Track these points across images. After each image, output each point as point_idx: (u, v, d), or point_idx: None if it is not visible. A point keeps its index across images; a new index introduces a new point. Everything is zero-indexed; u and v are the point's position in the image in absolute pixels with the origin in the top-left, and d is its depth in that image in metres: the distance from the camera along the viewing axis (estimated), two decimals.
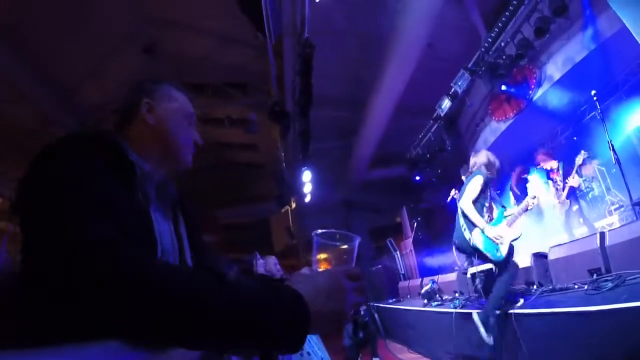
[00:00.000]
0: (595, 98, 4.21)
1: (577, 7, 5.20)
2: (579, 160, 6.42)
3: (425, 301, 6.14)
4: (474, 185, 3.76)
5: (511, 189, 7.67)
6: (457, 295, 5.80)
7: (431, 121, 9.35)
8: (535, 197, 3.87)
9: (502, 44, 6.44)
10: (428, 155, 10.20)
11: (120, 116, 1.08)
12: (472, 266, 4.12)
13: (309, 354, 3.96)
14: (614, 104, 6.35)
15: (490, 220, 3.79)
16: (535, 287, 4.44)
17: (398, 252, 10.14)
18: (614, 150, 3.87)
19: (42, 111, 6.78)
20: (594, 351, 2.77)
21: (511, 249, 3.77)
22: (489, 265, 4.63)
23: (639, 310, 2.40)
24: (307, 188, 10.17)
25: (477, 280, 4.87)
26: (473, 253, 3.84)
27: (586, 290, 3.43)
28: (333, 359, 3.46)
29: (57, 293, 0.59)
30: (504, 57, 6.56)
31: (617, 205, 5.96)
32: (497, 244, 3.67)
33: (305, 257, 11.66)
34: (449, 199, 6.49)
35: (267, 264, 4.90)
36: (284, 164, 8.90)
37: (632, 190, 3.70)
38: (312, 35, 5.91)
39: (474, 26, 7.12)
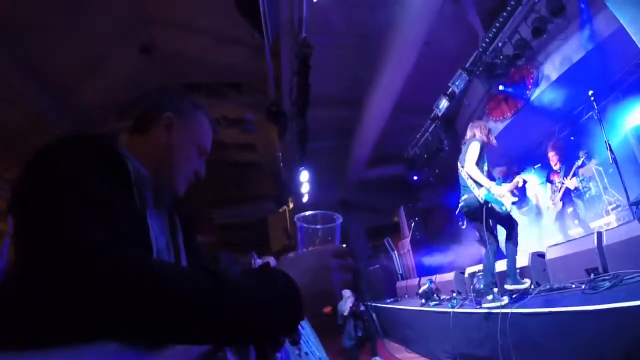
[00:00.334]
0: (592, 98, 4.22)
1: (575, 7, 5.22)
2: (578, 162, 6.46)
3: (423, 301, 6.15)
4: (473, 151, 4.25)
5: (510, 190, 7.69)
6: (454, 294, 5.80)
7: (429, 121, 9.35)
8: (525, 180, 4.30)
9: (500, 44, 6.44)
10: (426, 155, 10.22)
11: (135, 121, 1.06)
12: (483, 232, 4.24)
13: (307, 354, 3.95)
14: (611, 103, 6.35)
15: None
16: (532, 286, 4.45)
17: (396, 251, 10.16)
18: (611, 150, 3.89)
19: (36, 112, 6.72)
20: (591, 351, 2.78)
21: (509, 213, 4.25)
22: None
23: (637, 309, 2.40)
24: (305, 188, 10.17)
25: (475, 280, 4.91)
26: (482, 213, 4.06)
27: (584, 289, 3.44)
28: (331, 359, 3.46)
29: (54, 293, 0.58)
30: (501, 57, 6.57)
31: (614, 205, 5.99)
32: (501, 201, 4.08)
33: None
34: None
35: None
36: (281, 164, 8.90)
37: (629, 190, 3.72)
38: (309, 35, 5.90)
39: (472, 26, 7.13)
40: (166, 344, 0.64)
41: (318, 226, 0.87)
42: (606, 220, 5.82)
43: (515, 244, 4.29)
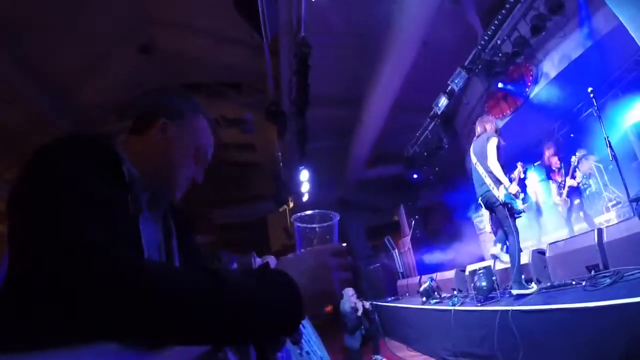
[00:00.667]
0: (591, 95, 4.21)
1: (573, 5, 5.21)
2: (574, 160, 6.45)
3: (424, 299, 6.16)
4: (493, 147, 4.38)
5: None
6: (455, 292, 5.81)
7: (428, 119, 9.34)
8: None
9: (499, 42, 6.44)
10: (425, 154, 10.21)
11: (132, 123, 1.05)
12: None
13: (308, 353, 3.95)
14: (610, 100, 6.35)
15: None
16: (533, 283, 4.45)
17: (396, 250, 10.16)
18: (610, 147, 3.88)
19: (36, 112, 6.71)
20: (592, 348, 2.78)
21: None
22: (488, 263, 4.80)
23: (638, 306, 2.40)
24: (305, 187, 10.17)
25: (476, 278, 4.91)
26: (502, 210, 4.30)
27: (584, 286, 3.46)
28: (332, 358, 3.46)
29: (54, 293, 0.58)
30: (500, 54, 6.56)
31: (614, 202, 6.00)
32: (515, 199, 4.28)
33: None
34: None
35: None
36: (281, 164, 8.90)
37: (629, 187, 3.72)
38: (308, 35, 5.90)
39: (471, 24, 7.12)
40: (166, 345, 0.64)
41: (315, 225, 0.87)
42: (606, 217, 5.83)
43: (517, 247, 4.32)
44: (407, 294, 8.13)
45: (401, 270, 9.80)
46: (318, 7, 6.07)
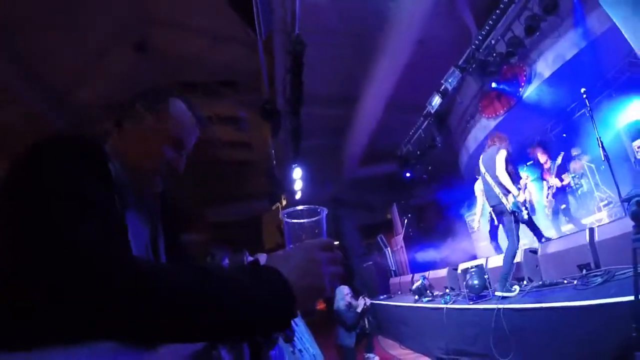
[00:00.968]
0: (585, 95, 4.25)
1: (568, 5, 5.24)
2: (558, 160, 6.52)
3: (416, 297, 6.18)
4: (502, 159, 4.67)
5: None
6: (447, 291, 5.84)
7: (421, 118, 9.38)
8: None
9: (493, 41, 6.47)
10: (418, 152, 10.24)
11: (114, 118, 1.03)
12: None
13: (300, 351, 3.95)
14: (603, 101, 6.39)
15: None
16: (525, 282, 4.50)
17: (389, 248, 10.21)
18: (603, 147, 3.92)
19: (30, 112, 6.64)
20: (584, 345, 2.81)
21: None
22: (480, 261, 4.84)
23: (629, 304, 2.43)
24: (298, 185, 10.17)
25: (468, 276, 4.94)
26: (506, 213, 4.59)
27: (576, 285, 3.50)
28: (326, 356, 3.46)
29: (51, 294, 0.58)
30: (494, 54, 6.59)
31: (606, 202, 6.07)
32: (522, 208, 4.51)
33: None
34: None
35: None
36: (274, 162, 8.89)
37: (620, 187, 3.75)
38: (303, 33, 5.89)
39: (465, 24, 7.16)
40: (159, 342, 0.64)
41: (303, 221, 0.86)
42: (598, 216, 5.90)
43: (514, 254, 4.48)
44: (399, 292, 8.17)
45: (394, 269, 9.85)
46: (313, 4, 6.06)
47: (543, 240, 4.87)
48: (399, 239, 10.53)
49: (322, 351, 3.49)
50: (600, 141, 3.96)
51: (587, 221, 6.17)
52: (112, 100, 6.25)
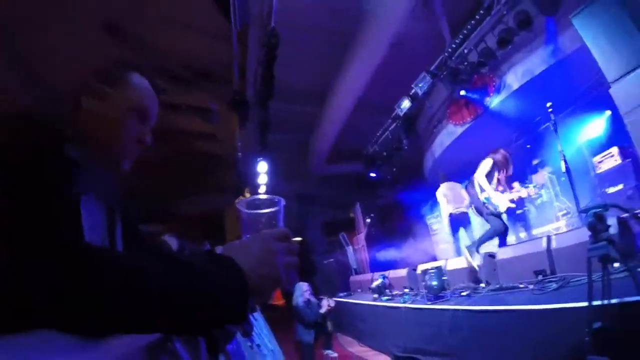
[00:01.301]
0: (550, 110, 4.43)
1: (541, 22, 5.44)
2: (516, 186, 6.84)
3: (376, 296, 6.26)
4: (484, 165, 5.53)
5: (466, 189, 7.95)
6: (406, 290, 5.94)
7: (390, 120, 9.51)
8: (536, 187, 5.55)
9: (466, 51, 6.63)
10: (385, 153, 10.38)
11: (72, 98, 0.98)
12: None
13: (259, 346, 3.91)
14: (568, 116, 6.62)
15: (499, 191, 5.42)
16: (483, 285, 4.63)
17: (351, 246, 10.31)
18: (565, 160, 4.10)
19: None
20: (538, 348, 2.92)
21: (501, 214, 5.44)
22: (440, 263, 5.02)
23: (583, 310, 2.54)
24: (263, 179, 10.07)
25: (427, 277, 5.04)
26: (484, 212, 5.46)
27: (532, 290, 3.61)
28: (284, 352, 3.44)
29: (28, 290, 0.54)
30: (466, 63, 6.76)
31: (564, 212, 6.33)
32: (496, 205, 5.30)
33: None
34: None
35: None
36: (240, 154, 8.76)
37: (579, 199, 3.94)
38: (278, 27, 5.84)
39: (440, 31, 7.30)
40: (108, 332, 0.61)
41: (260, 211, 0.85)
42: (556, 225, 6.15)
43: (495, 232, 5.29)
44: (359, 290, 8.27)
45: (354, 267, 9.95)
46: (291, 0, 6.02)
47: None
48: (361, 237, 10.65)
49: (280, 347, 3.48)
50: (563, 154, 4.14)
51: (546, 229, 6.42)
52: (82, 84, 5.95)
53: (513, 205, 5.42)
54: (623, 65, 3.68)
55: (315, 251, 12.33)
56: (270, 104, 7.48)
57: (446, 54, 6.95)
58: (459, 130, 8.19)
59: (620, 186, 4.98)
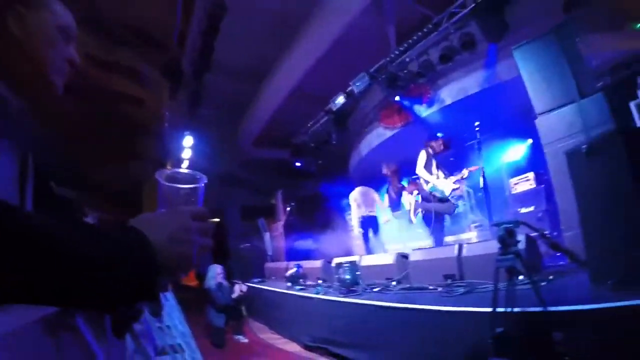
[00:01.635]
0: (477, 129, 4.77)
1: (484, 47, 5.82)
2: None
3: (289, 284, 6.29)
4: (420, 158, 6.01)
5: (387, 192, 8.27)
6: (320, 282, 6.04)
7: (322, 113, 9.60)
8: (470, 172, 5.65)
9: (408, 59, 6.88)
10: (313, 145, 10.46)
11: None
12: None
13: (168, 327, 3.77)
14: (493, 137, 7.05)
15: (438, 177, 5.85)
16: (394, 283, 4.82)
17: (268, 233, 10.24)
18: (484, 176, 4.44)
19: None
20: (445, 347, 3.12)
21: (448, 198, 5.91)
22: (354, 258, 5.25)
23: (487, 315, 2.76)
24: (186, 154, 9.65)
25: (341, 270, 5.18)
26: (432, 200, 5.93)
27: (440, 292, 3.85)
28: (195, 335, 3.37)
29: None
30: (405, 71, 7.02)
31: (477, 224, 6.81)
32: (442, 190, 5.78)
33: None
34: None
35: None
36: (166, 125, 8.30)
37: (493, 213, 4.29)
38: (227, 1, 5.63)
39: (386, 36, 7.48)
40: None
41: (180, 186, 0.81)
42: (468, 235, 6.58)
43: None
44: (273, 278, 8.26)
45: (270, 254, 9.90)
46: None
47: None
48: (280, 225, 10.65)
49: (191, 329, 3.39)
50: (483, 171, 4.49)
51: (458, 238, 6.86)
52: None
53: (457, 186, 5.80)
54: (551, 101, 4.09)
55: (232, 234, 12.10)
56: (205, 78, 7.18)
57: (388, 58, 7.16)
58: (388, 133, 8.50)
59: (532, 208, 5.51)
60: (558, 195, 4.10)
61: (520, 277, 3.07)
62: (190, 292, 8.47)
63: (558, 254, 3.68)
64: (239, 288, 5.91)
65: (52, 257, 0.53)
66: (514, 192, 6.04)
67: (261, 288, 7.32)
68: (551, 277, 3.31)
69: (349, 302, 4.40)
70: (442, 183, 5.79)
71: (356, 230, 7.62)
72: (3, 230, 0.50)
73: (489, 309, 2.53)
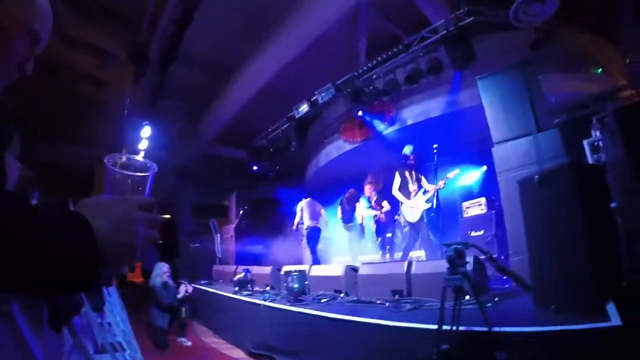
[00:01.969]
0: (435, 151, 4.93)
1: (450, 74, 6.04)
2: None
3: (237, 289, 6.18)
4: (395, 180, 6.10)
5: (341, 204, 8.35)
6: (268, 288, 5.98)
7: (285, 119, 9.59)
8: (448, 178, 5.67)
9: (374, 76, 7.02)
10: (272, 150, 10.40)
11: None
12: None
13: (109, 324, 3.60)
14: (449, 161, 7.24)
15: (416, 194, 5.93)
16: (342, 295, 4.84)
17: (219, 235, 10.03)
18: (437, 197, 4.59)
19: None
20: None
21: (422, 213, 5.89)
22: (304, 267, 5.27)
23: (431, 332, 2.82)
24: (143, 144, 9.29)
25: (290, 279, 5.15)
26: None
27: (388, 307, 3.90)
28: (136, 334, 3.24)
29: None
30: (371, 87, 7.15)
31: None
32: (405, 212, 5.90)
33: None
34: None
35: None
36: (126, 112, 7.96)
37: (445, 234, 4.42)
38: None
39: (357, 50, 7.60)
40: None
41: (128, 172, 0.78)
42: (417, 253, 6.71)
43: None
44: (221, 281, 8.08)
45: (220, 256, 9.69)
46: None
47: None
48: (231, 227, 10.46)
49: (132, 328, 3.24)
50: (437, 193, 4.64)
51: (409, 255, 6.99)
52: None
53: (428, 206, 5.77)
54: (509, 131, 4.31)
55: (182, 232, 11.73)
56: (172, 67, 6.99)
57: (356, 73, 7.27)
58: (348, 147, 8.61)
59: (482, 232, 5.74)
60: (508, 221, 4.29)
61: (467, 297, 3.18)
62: (133, 289, 8.09)
63: (504, 277, 3.82)
64: (185, 288, 5.71)
65: None
66: (465, 215, 6.26)
67: (208, 290, 7.13)
68: (497, 298, 3.44)
69: (296, 312, 4.36)
70: (409, 209, 5.91)
71: (304, 239, 7.67)
72: None
73: (435, 326, 2.57)
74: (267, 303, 4.96)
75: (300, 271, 5.18)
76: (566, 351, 2.14)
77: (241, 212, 10.62)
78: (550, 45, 5.38)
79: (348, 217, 8.10)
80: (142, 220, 0.70)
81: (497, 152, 4.45)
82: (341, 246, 8.47)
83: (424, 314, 3.42)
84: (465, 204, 6.40)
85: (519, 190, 3.16)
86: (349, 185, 8.51)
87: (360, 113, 7.90)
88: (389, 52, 6.51)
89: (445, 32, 5.80)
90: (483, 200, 6.07)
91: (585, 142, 3.67)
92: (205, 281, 8.32)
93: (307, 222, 7.65)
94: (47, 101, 6.71)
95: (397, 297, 4.17)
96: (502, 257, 5.00)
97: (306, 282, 5.02)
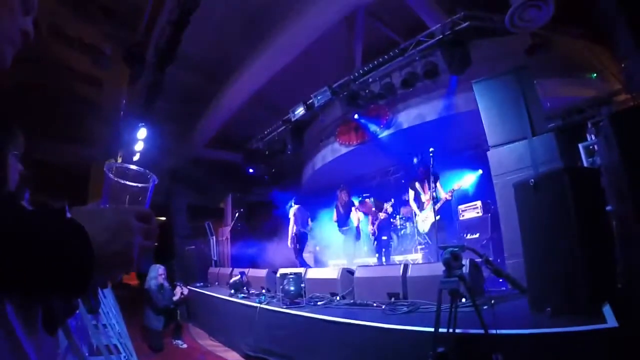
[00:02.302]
0: (431, 154, 4.95)
1: (446, 78, 6.06)
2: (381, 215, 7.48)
3: (233, 291, 6.16)
4: (409, 194, 6.25)
5: (336, 207, 8.34)
6: (264, 291, 5.96)
7: (281, 122, 9.60)
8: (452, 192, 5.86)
9: (370, 80, 7.04)
10: (267, 152, 10.41)
11: None
12: None
13: (105, 326, 3.58)
14: (445, 164, 7.24)
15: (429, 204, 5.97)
16: (338, 298, 4.84)
17: (214, 237, 9.99)
18: (434, 201, 4.60)
19: None
20: None
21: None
22: (300, 270, 5.35)
23: (427, 335, 2.82)
24: (139, 146, 9.24)
25: (285, 281, 5.14)
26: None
27: (384, 309, 3.90)
28: (131, 336, 3.22)
29: None
30: (367, 91, 7.18)
31: (423, 246, 6.96)
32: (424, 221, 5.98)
33: None
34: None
35: None
36: (122, 113, 7.91)
37: (440, 237, 4.42)
38: None
39: (353, 54, 7.62)
40: None
41: (128, 182, 0.78)
42: (414, 256, 6.73)
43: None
44: (217, 283, 8.03)
45: (215, 258, 9.64)
46: None
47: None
48: (227, 230, 10.43)
49: (128, 330, 3.23)
50: (433, 196, 4.65)
51: (404, 257, 7.00)
52: None
53: (437, 218, 5.76)
54: (505, 135, 4.33)
55: (177, 234, 11.68)
56: (168, 69, 6.98)
57: (352, 76, 7.29)
58: (344, 150, 8.61)
59: (477, 235, 5.77)
60: (503, 224, 4.31)
61: (463, 300, 3.20)
62: (129, 291, 8.04)
63: (500, 280, 3.84)
64: (180, 290, 5.69)
65: None
66: (461, 218, 6.29)
67: (203, 293, 7.10)
68: (493, 301, 3.43)
69: (292, 314, 4.36)
70: (421, 222, 6.12)
71: (289, 243, 7.70)
72: None
73: (432, 329, 2.56)
74: (263, 305, 4.95)
75: (296, 274, 5.17)
76: (562, 353, 2.15)
77: (237, 214, 10.59)
78: (546, 51, 5.43)
79: (343, 221, 8.09)
80: (138, 230, 0.70)
81: (493, 155, 4.48)
82: (337, 249, 8.46)
83: (420, 317, 3.42)
84: (461, 207, 6.43)
85: (514, 193, 3.18)
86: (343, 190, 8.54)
87: (356, 116, 7.92)
88: (385, 56, 6.53)
89: (441, 36, 5.84)
90: (479, 203, 6.11)
91: (580, 146, 3.70)
92: (201, 284, 8.28)
93: (296, 227, 7.68)
94: (42, 100, 6.68)
95: (393, 299, 4.16)
96: (498, 260, 5.03)
97: (302, 285, 4.99)
